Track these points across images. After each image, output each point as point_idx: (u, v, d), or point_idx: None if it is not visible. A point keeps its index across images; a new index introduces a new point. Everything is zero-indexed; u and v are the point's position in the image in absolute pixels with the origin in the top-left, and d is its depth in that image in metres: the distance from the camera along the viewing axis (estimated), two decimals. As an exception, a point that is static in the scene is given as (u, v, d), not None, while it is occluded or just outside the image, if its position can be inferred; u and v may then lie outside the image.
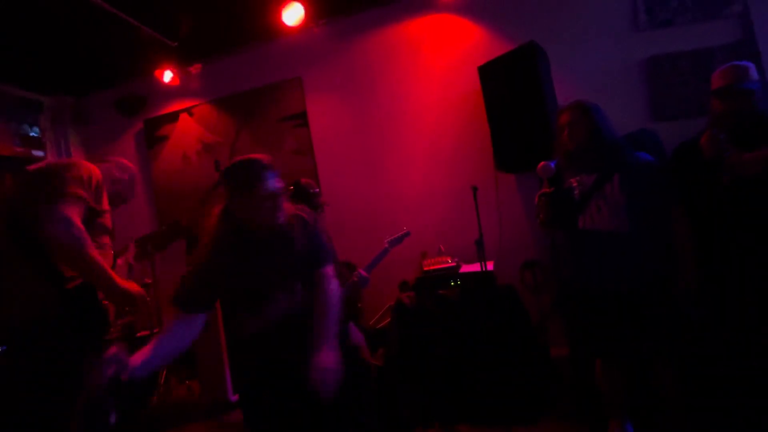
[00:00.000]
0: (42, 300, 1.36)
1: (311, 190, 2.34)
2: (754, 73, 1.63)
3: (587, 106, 1.74)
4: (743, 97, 1.60)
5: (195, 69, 3.76)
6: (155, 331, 3.08)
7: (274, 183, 1.32)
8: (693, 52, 2.66)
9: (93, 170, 1.52)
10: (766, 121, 1.58)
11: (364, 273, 2.29)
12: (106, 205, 1.59)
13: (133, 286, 1.49)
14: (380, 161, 3.32)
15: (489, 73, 2.81)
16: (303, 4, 3.04)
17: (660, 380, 1.72)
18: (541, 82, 2.48)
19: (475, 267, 2.50)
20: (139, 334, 3.17)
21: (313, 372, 1.19)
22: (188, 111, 3.83)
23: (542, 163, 1.72)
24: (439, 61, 3.20)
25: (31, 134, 3.78)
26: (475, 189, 2.38)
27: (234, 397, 2.66)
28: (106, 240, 1.58)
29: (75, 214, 1.36)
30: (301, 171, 3.51)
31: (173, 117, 3.87)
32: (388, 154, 3.31)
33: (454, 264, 2.68)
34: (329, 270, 1.43)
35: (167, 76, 3.67)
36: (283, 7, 3.04)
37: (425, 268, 2.74)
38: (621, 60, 2.81)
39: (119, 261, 1.70)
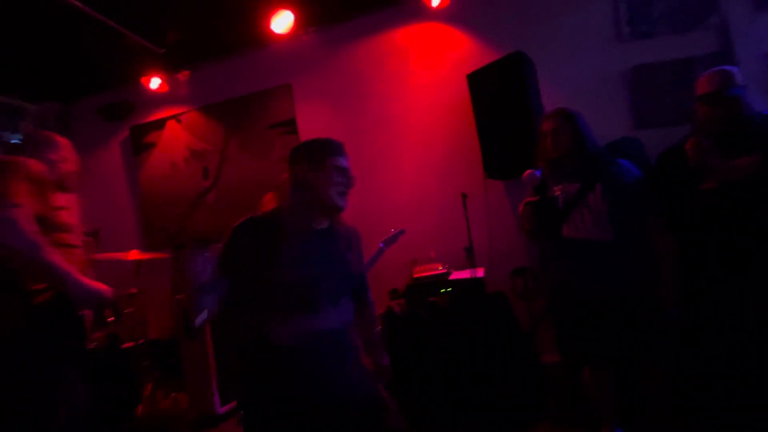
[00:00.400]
0: (7, 318, 1.29)
1: None
2: (739, 78, 1.64)
3: (570, 113, 1.77)
4: (730, 103, 1.60)
5: (183, 76, 3.74)
6: (140, 342, 3.01)
7: (348, 164, 1.30)
8: (674, 61, 2.73)
9: (33, 167, 1.39)
10: (751, 126, 1.60)
11: None
12: (57, 201, 1.46)
13: (100, 286, 1.38)
14: (370, 168, 3.32)
15: (477, 81, 2.84)
16: (292, 11, 3.04)
17: (648, 385, 1.74)
18: (527, 90, 2.52)
19: (466, 274, 2.50)
20: (123, 346, 3.09)
21: (379, 371, 1.39)
22: (176, 118, 3.79)
23: (528, 171, 1.74)
24: (429, 69, 3.23)
25: (13, 141, 3.70)
26: (464, 196, 2.40)
27: (221, 410, 2.60)
28: (69, 238, 1.47)
29: (24, 217, 1.25)
30: (291, 178, 3.49)
31: (160, 124, 3.83)
32: (377, 161, 3.31)
33: (444, 271, 2.69)
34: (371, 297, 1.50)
35: (154, 82, 3.64)
36: (273, 14, 3.05)
37: (415, 275, 2.73)
38: (605, 69, 2.87)
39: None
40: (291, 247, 1.18)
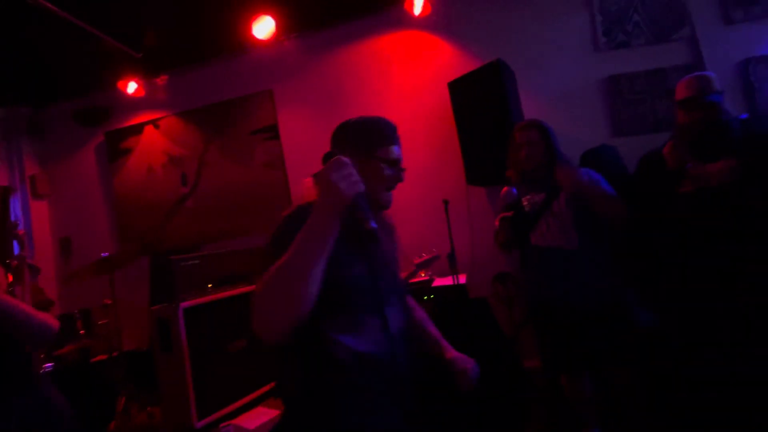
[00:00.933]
0: None
1: None
2: (717, 84, 1.66)
3: (544, 127, 1.80)
4: (708, 108, 1.63)
5: (161, 80, 3.67)
6: (114, 354, 2.90)
7: (400, 152, 1.09)
8: (648, 71, 2.81)
9: None
10: (729, 131, 1.63)
11: None
12: None
13: (44, 317, 1.24)
14: (353, 175, 3.31)
15: (458, 88, 2.87)
16: (274, 17, 3.02)
17: (621, 387, 1.76)
18: (507, 98, 2.55)
19: (448, 280, 2.50)
20: (95, 359, 2.97)
21: (461, 368, 1.15)
22: (154, 123, 3.71)
23: (505, 189, 1.76)
24: (410, 77, 3.25)
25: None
26: (446, 202, 2.40)
27: (199, 424, 2.52)
28: None
29: None
30: (273, 184, 3.45)
31: (138, 129, 3.74)
32: (360, 167, 3.30)
33: (427, 278, 2.68)
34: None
35: (131, 87, 3.55)
36: (254, 20, 3.02)
37: (398, 282, 2.71)
38: (583, 78, 2.93)
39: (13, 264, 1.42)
40: (339, 242, 0.95)
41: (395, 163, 1.07)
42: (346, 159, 0.87)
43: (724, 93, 1.67)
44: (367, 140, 1.06)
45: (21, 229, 1.44)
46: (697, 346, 1.71)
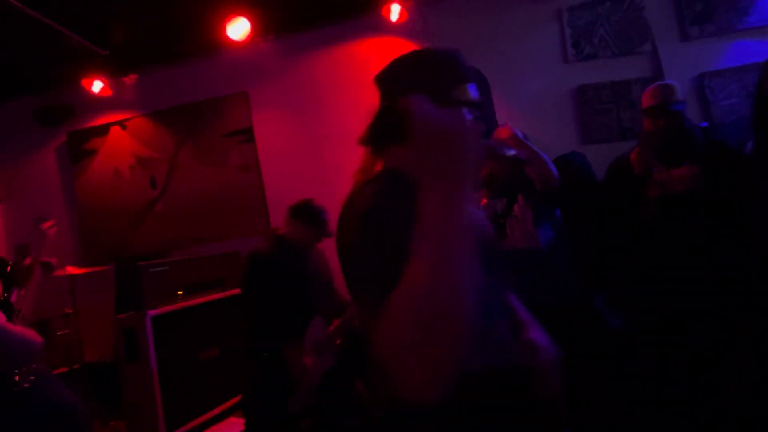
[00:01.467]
0: None
1: (323, 216, 2.11)
2: (679, 93, 1.77)
3: (525, 136, 1.85)
4: (672, 116, 1.73)
5: (129, 80, 3.53)
6: (75, 366, 2.75)
7: (477, 93, 0.80)
8: (614, 83, 2.95)
9: None
10: (691, 138, 1.74)
11: None
12: None
13: (26, 331, 1.19)
14: (329, 180, 3.28)
15: (435, 95, 2.90)
16: (249, 19, 2.98)
17: (592, 387, 1.81)
18: (482, 105, 2.61)
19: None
20: (55, 371, 2.80)
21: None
22: (121, 124, 3.56)
23: (484, 201, 1.80)
24: (388, 82, 3.27)
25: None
26: (423, 207, 2.42)
27: (167, 437, 2.41)
28: None
29: None
30: (247, 187, 3.38)
31: (103, 130, 3.58)
32: (337, 172, 3.28)
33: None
34: None
35: (96, 86, 3.40)
36: (228, 20, 2.96)
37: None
38: (553, 88, 3.04)
39: (27, 261, 1.34)
40: None
41: (477, 107, 0.79)
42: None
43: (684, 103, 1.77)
44: (438, 78, 0.75)
45: (47, 222, 1.33)
46: (665, 347, 1.78)
